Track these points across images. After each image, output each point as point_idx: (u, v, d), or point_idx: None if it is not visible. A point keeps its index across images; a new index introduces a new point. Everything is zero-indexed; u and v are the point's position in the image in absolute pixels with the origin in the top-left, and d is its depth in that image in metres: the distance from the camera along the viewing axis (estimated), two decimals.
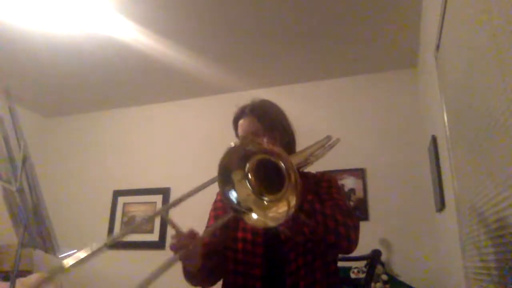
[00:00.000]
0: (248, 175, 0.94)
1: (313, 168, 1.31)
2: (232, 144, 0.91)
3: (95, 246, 0.73)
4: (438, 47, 1.80)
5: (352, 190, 3.02)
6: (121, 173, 3.81)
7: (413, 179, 2.91)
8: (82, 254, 0.70)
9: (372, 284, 2.45)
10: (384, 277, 2.52)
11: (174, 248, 1.01)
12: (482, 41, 1.05)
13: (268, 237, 1.18)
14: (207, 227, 1.27)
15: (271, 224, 0.90)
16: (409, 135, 3.03)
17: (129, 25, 2.62)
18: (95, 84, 3.56)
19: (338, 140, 1.36)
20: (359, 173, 3.04)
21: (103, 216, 3.68)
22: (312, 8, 2.48)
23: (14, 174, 1.42)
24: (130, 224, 3.58)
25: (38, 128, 4.20)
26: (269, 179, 0.92)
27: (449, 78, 1.64)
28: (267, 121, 1.25)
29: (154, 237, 3.44)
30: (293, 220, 1.04)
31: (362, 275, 2.42)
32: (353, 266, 2.50)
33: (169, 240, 3.84)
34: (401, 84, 3.21)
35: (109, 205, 3.71)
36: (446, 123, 1.73)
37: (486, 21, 1.00)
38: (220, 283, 1.25)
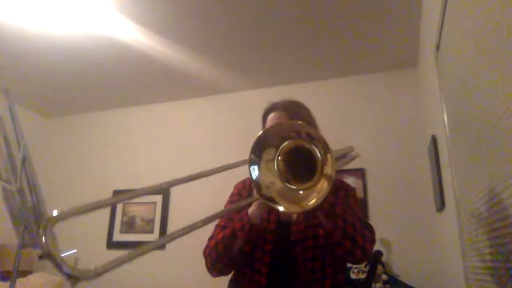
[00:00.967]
0: (278, 157, 0.91)
1: None
2: (287, 122, 0.88)
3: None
4: (438, 47, 1.80)
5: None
6: (121, 173, 3.81)
7: (413, 179, 2.91)
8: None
9: (372, 284, 2.45)
10: (384, 277, 2.52)
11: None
12: (482, 41, 1.05)
13: (279, 236, 1.18)
14: (221, 219, 1.27)
15: (297, 210, 0.88)
16: (409, 135, 3.03)
17: (129, 25, 2.62)
18: (95, 84, 3.56)
19: (358, 154, 1.35)
20: (359, 173, 3.04)
21: (103, 216, 3.68)
22: (312, 8, 2.48)
23: (14, 174, 1.42)
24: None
25: (38, 128, 4.20)
26: (299, 168, 0.90)
27: (449, 78, 1.64)
28: (298, 118, 1.23)
29: (154, 237, 3.44)
30: (307, 218, 1.04)
31: (362, 275, 2.42)
32: (353, 266, 2.50)
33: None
34: (401, 84, 3.21)
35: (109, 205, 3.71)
36: (446, 123, 1.73)
37: (486, 20, 1.00)
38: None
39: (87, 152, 4.05)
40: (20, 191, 1.40)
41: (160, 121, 3.91)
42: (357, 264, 1.11)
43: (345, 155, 1.32)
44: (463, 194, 1.51)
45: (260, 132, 0.90)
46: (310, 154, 0.87)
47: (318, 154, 0.86)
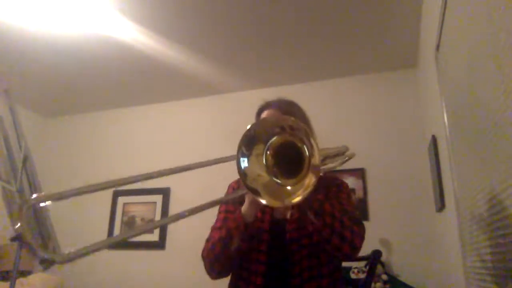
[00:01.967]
0: (267, 152, 0.91)
1: None
2: (273, 118, 0.88)
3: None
4: (438, 47, 1.80)
5: (352, 190, 3.02)
6: (121, 173, 3.79)
7: (413, 179, 2.91)
8: None
9: (372, 284, 2.45)
10: (384, 277, 2.52)
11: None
12: (482, 41, 1.05)
13: (274, 235, 1.19)
14: (217, 220, 1.28)
15: (278, 204, 0.89)
16: (409, 135, 3.03)
17: (129, 25, 2.62)
18: (95, 84, 3.56)
19: (354, 154, 1.35)
20: (359, 173, 3.04)
21: (103, 216, 3.68)
22: (312, 8, 2.48)
23: (15, 174, 1.42)
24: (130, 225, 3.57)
25: (38, 128, 4.20)
26: (287, 163, 0.91)
27: (449, 78, 1.64)
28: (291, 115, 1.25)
29: (154, 237, 3.44)
30: (300, 217, 1.04)
31: (362, 275, 2.42)
32: (353, 266, 2.50)
33: (169, 240, 3.84)
34: (401, 84, 3.21)
35: (109, 205, 3.71)
36: (446, 123, 1.73)
37: (486, 21, 1.00)
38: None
39: (87, 152, 4.05)
40: (21, 191, 1.40)
41: (160, 121, 3.91)
42: (347, 259, 1.12)
43: (340, 154, 1.32)
44: (463, 194, 1.51)
45: (249, 126, 0.90)
46: (298, 150, 0.88)
47: (306, 150, 0.86)
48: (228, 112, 3.65)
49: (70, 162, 4.07)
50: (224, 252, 1.12)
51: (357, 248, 1.08)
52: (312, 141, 0.86)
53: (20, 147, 1.38)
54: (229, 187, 1.36)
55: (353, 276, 2.47)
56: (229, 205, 1.29)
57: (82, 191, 0.58)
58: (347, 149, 1.31)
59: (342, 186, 1.27)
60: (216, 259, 1.15)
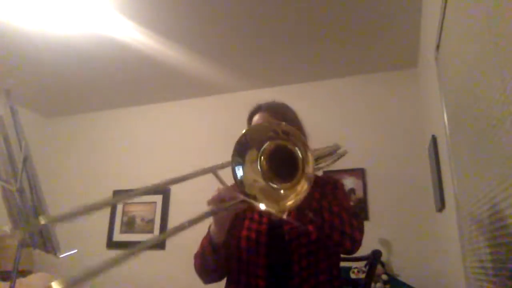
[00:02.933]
0: (261, 157, 0.92)
1: None
2: (265, 123, 0.88)
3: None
4: (438, 47, 1.80)
5: (352, 190, 3.02)
6: (121, 173, 3.81)
7: (413, 179, 2.91)
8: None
9: (372, 284, 2.45)
10: (384, 277, 2.52)
11: (216, 198, 0.98)
12: (482, 41, 1.05)
13: (272, 237, 1.18)
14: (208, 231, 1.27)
15: (278, 214, 0.88)
16: (409, 135, 3.03)
17: (129, 25, 2.62)
18: (95, 84, 3.56)
19: (346, 151, 1.35)
20: (359, 173, 3.04)
21: (103, 216, 3.68)
22: (312, 8, 2.48)
23: (15, 174, 1.42)
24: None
25: (38, 128, 4.20)
26: (282, 167, 0.91)
27: (449, 78, 1.64)
28: (282, 119, 1.24)
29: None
30: (300, 217, 1.05)
31: (362, 275, 2.42)
32: (353, 266, 2.50)
33: (169, 240, 3.83)
34: (401, 84, 3.21)
35: (109, 205, 3.71)
36: (446, 123, 1.73)
37: (486, 21, 1.00)
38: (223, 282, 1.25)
39: (87, 152, 4.05)
40: (21, 191, 1.40)
41: (160, 121, 3.91)
42: (349, 254, 1.12)
43: (332, 153, 1.32)
44: (463, 194, 1.51)
45: (242, 133, 0.90)
46: (291, 154, 0.88)
47: (299, 153, 0.87)
48: (228, 112, 3.65)
49: (70, 162, 4.07)
50: (204, 266, 1.15)
51: (358, 241, 1.08)
52: (304, 143, 0.86)
53: (20, 147, 1.38)
54: None
55: (353, 276, 2.47)
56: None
57: (81, 212, 0.56)
58: (338, 147, 1.31)
59: (338, 183, 1.28)
60: (201, 270, 1.18)
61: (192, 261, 1.22)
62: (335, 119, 3.29)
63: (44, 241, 1.43)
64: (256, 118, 1.28)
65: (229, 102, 3.69)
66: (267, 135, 0.91)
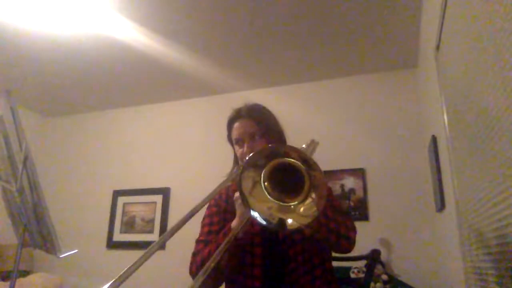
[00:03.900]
0: (264, 183, 0.91)
1: None
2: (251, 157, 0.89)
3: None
4: (438, 47, 1.80)
5: (352, 190, 3.02)
6: (121, 173, 3.82)
7: (413, 179, 2.91)
8: None
9: (372, 284, 2.45)
10: (384, 277, 2.52)
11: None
12: (482, 41, 1.05)
13: (266, 236, 1.19)
14: (201, 233, 1.26)
15: (307, 221, 0.88)
16: (409, 135, 3.03)
17: (129, 25, 2.62)
18: (95, 84, 3.56)
19: (317, 143, 1.35)
20: (359, 173, 3.04)
21: (103, 216, 3.69)
22: (312, 8, 2.48)
23: (15, 174, 1.42)
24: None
25: (38, 128, 4.20)
26: (286, 185, 0.91)
27: (449, 78, 1.64)
28: (264, 125, 1.25)
29: (154, 237, 3.44)
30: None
31: (362, 275, 2.42)
32: (353, 266, 2.50)
33: (169, 240, 3.82)
34: (401, 84, 3.21)
35: (109, 205, 3.71)
36: (446, 123, 1.73)
37: (486, 21, 1.00)
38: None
39: (87, 152, 4.05)
40: (21, 191, 1.40)
41: (160, 121, 3.91)
42: (345, 253, 1.14)
43: (314, 150, 1.31)
44: (463, 194, 1.51)
45: (237, 180, 0.90)
46: (291, 167, 0.88)
47: (299, 163, 0.87)
48: (228, 112, 3.65)
49: (70, 162, 4.07)
50: (215, 269, 1.12)
51: (353, 240, 1.13)
52: (302, 152, 0.87)
53: (21, 147, 1.38)
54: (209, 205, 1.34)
55: (353, 276, 2.47)
56: (213, 217, 1.28)
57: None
58: (316, 142, 1.31)
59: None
60: (208, 275, 1.15)
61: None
62: (335, 119, 3.29)
63: (44, 241, 1.43)
64: (237, 125, 1.27)
65: (229, 102, 3.66)
66: (260, 162, 0.90)
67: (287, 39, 2.83)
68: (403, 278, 2.61)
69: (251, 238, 1.18)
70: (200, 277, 0.84)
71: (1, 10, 2.47)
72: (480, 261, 1.31)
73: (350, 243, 1.11)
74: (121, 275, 0.58)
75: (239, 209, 1.07)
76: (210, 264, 0.84)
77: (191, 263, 1.19)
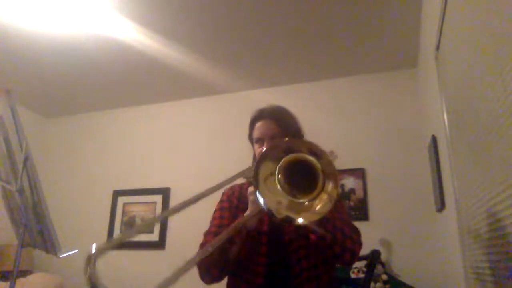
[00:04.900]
0: (278, 175, 0.93)
1: None
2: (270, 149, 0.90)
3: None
4: (438, 47, 1.80)
5: (352, 190, 3.02)
6: (121, 173, 3.81)
7: (413, 179, 2.91)
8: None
9: (372, 284, 2.45)
10: (384, 277, 2.52)
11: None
12: (482, 41, 1.05)
13: (272, 237, 1.19)
14: (211, 226, 1.27)
15: (316, 217, 0.89)
16: (409, 135, 3.03)
17: (129, 25, 2.62)
18: (95, 84, 3.56)
19: (336, 157, 1.37)
20: (359, 173, 3.04)
21: (103, 216, 3.68)
22: (312, 8, 2.48)
23: (15, 174, 1.42)
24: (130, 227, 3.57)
25: (38, 128, 4.20)
26: (300, 179, 0.92)
27: (449, 78, 1.64)
28: (285, 127, 1.25)
29: (154, 237, 3.44)
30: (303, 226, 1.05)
31: (362, 275, 2.42)
32: (353, 266, 2.50)
33: (169, 240, 3.82)
34: (401, 84, 3.21)
35: (109, 205, 3.71)
36: (446, 123, 1.73)
37: (486, 21, 1.00)
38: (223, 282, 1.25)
39: (87, 152, 4.05)
40: (21, 191, 1.40)
41: (160, 121, 3.91)
42: (345, 265, 1.16)
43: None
44: (463, 194, 1.51)
45: (255, 164, 0.92)
46: (307, 165, 0.89)
47: (316, 161, 0.87)
48: (228, 112, 3.66)
49: (70, 162, 4.07)
50: (222, 257, 1.12)
51: (357, 255, 1.13)
52: (318, 150, 0.87)
53: (21, 147, 1.38)
54: (223, 194, 1.36)
55: (353, 276, 2.47)
56: (223, 212, 1.29)
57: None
58: (333, 154, 1.32)
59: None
60: (214, 264, 1.14)
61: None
62: (335, 119, 3.29)
63: (44, 241, 1.43)
64: (259, 124, 1.28)
65: (229, 102, 3.69)
66: (280, 154, 0.92)
67: (287, 39, 2.83)
68: (403, 278, 2.61)
69: (258, 236, 1.19)
70: (199, 256, 0.84)
71: (1, 10, 2.47)
72: (480, 261, 1.31)
73: (352, 257, 1.12)
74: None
75: (251, 206, 1.08)
76: (209, 247, 0.84)
77: (201, 261, 1.20)
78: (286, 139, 0.95)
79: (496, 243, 1.08)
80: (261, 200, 0.91)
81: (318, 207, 0.89)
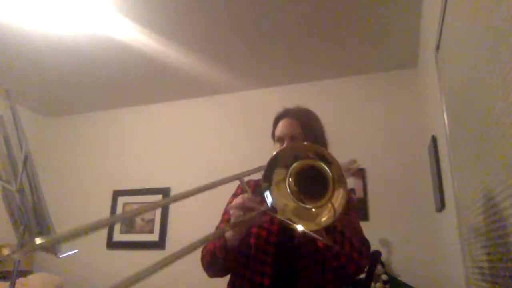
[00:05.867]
0: (289, 179, 0.93)
1: None
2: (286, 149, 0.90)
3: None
4: (438, 47, 1.80)
5: (352, 190, 3.02)
6: (121, 173, 3.81)
7: (413, 179, 2.91)
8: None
9: (372, 284, 2.45)
10: (384, 277, 2.52)
11: (239, 205, 0.97)
12: (482, 41, 1.05)
13: (282, 238, 1.18)
14: (222, 220, 1.28)
15: (316, 228, 0.89)
16: (409, 135, 3.03)
17: (129, 25, 2.62)
18: (95, 84, 3.56)
19: (358, 166, 1.37)
20: (359, 173, 3.04)
21: (103, 216, 3.68)
22: (312, 8, 2.48)
23: (15, 174, 1.42)
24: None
25: (38, 128, 4.20)
26: (310, 186, 0.92)
27: (449, 78, 1.64)
28: (308, 129, 1.24)
29: (154, 237, 3.44)
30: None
31: (362, 275, 2.42)
32: None
33: (169, 240, 3.83)
34: (401, 84, 3.21)
35: (109, 205, 3.71)
36: (446, 123, 1.73)
37: (486, 21, 1.00)
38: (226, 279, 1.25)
39: (87, 152, 4.05)
40: (21, 191, 1.40)
41: (160, 121, 3.91)
42: (349, 278, 1.13)
43: (349, 168, 1.34)
44: (463, 194, 1.51)
45: (268, 161, 0.92)
46: (320, 172, 0.89)
47: (328, 171, 0.87)
48: (228, 112, 3.66)
49: (70, 162, 4.07)
50: (214, 263, 1.14)
51: (362, 269, 1.10)
52: (331, 158, 0.87)
53: (21, 147, 1.38)
54: (238, 187, 1.35)
55: None
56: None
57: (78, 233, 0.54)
58: (354, 162, 1.33)
59: (351, 202, 1.27)
60: (209, 266, 1.18)
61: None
62: (335, 119, 3.28)
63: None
64: (282, 122, 1.27)
65: (229, 102, 3.69)
66: (296, 156, 0.93)
67: (287, 39, 2.83)
68: (403, 278, 2.61)
69: (267, 236, 1.18)
70: (196, 245, 0.83)
71: (1, 10, 2.47)
72: (480, 261, 1.31)
73: (357, 270, 1.08)
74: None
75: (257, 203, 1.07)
76: (209, 237, 0.84)
77: (203, 248, 1.21)
78: (305, 143, 0.94)
79: (496, 243, 1.08)
80: (269, 199, 0.91)
81: (323, 219, 0.88)
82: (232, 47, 2.95)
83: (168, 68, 3.19)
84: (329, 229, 1.00)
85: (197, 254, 1.26)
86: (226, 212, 1.30)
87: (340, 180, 0.86)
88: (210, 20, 2.61)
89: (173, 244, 3.38)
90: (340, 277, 1.22)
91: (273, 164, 0.92)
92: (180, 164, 3.65)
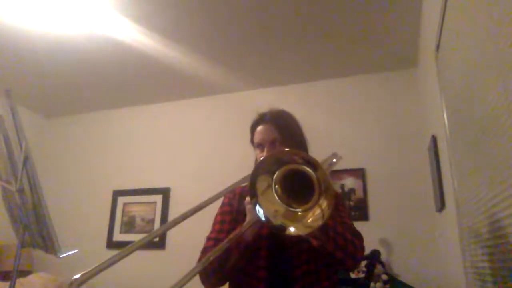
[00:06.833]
0: (275, 186, 0.93)
1: None
2: (263, 156, 0.90)
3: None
4: (438, 47, 1.80)
5: (352, 190, 3.02)
6: (121, 173, 3.81)
7: (413, 179, 2.91)
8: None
9: (372, 284, 2.45)
10: (384, 277, 2.52)
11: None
12: (482, 41, 1.05)
13: (273, 241, 1.18)
14: (212, 231, 1.27)
15: (307, 231, 0.90)
16: (409, 135, 3.03)
17: (129, 25, 2.62)
18: (95, 84, 3.56)
19: (340, 157, 1.36)
20: (359, 173, 3.04)
21: (103, 216, 3.68)
22: (312, 8, 2.48)
23: (15, 174, 1.42)
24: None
25: (38, 128, 4.20)
26: (296, 189, 0.92)
27: (449, 78, 1.64)
28: (286, 132, 1.24)
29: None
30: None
31: (362, 275, 2.42)
32: None
33: (169, 240, 3.83)
34: (401, 84, 3.21)
35: (109, 205, 3.71)
36: (446, 123, 1.73)
37: (486, 21, 1.00)
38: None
39: (87, 152, 4.05)
40: (21, 191, 1.40)
41: (160, 121, 3.91)
42: (348, 271, 1.15)
43: (332, 163, 1.32)
44: (463, 194, 1.51)
45: (251, 173, 0.92)
46: (304, 175, 0.89)
47: (312, 173, 0.87)
48: (228, 112, 3.66)
49: (70, 162, 4.07)
50: (222, 267, 1.12)
51: (358, 261, 1.13)
52: (313, 160, 0.87)
53: (21, 147, 1.38)
54: (224, 197, 1.34)
55: (353, 276, 2.47)
56: (224, 216, 1.28)
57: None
58: (336, 156, 1.32)
59: (338, 197, 1.27)
60: (213, 273, 1.15)
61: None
62: (335, 119, 3.29)
63: (44, 241, 1.43)
64: (260, 129, 1.26)
65: (229, 102, 3.69)
66: (274, 167, 0.92)
67: (287, 39, 2.83)
68: (403, 278, 2.61)
69: (258, 240, 1.18)
70: (198, 267, 0.84)
71: (1, 10, 2.47)
72: (480, 261, 1.31)
73: (355, 262, 1.11)
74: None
75: (249, 214, 1.06)
76: (210, 257, 0.84)
77: (199, 259, 1.20)
78: (287, 149, 0.94)
79: (496, 243, 1.08)
80: (259, 210, 0.91)
81: (309, 220, 0.89)
82: (232, 47, 2.95)
83: (168, 68, 3.19)
84: (321, 227, 1.01)
85: (196, 256, 1.26)
86: (215, 223, 1.30)
87: (326, 183, 0.86)
88: (210, 20, 2.61)
89: (173, 244, 3.38)
90: (335, 271, 1.24)
91: (254, 177, 0.92)
92: (180, 164, 3.65)
